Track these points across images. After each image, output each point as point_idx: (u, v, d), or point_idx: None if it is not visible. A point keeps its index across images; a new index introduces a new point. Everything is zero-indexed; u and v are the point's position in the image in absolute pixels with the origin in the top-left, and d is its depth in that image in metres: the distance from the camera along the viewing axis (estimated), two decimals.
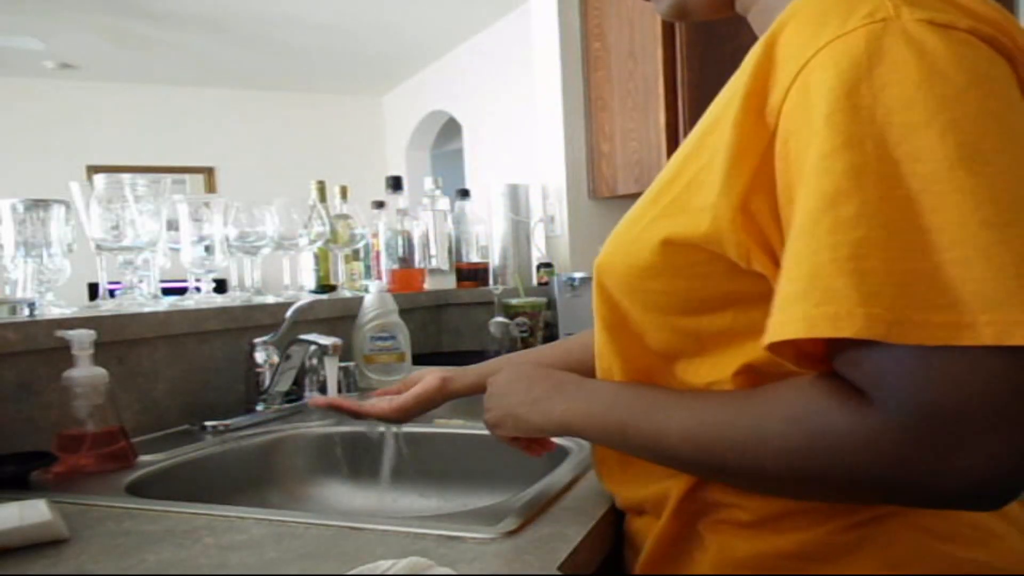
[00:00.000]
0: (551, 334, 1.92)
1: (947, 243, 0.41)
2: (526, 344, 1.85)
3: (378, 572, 0.52)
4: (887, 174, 0.43)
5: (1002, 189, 0.42)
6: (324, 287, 1.72)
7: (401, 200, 1.92)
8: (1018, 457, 0.41)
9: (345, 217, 1.71)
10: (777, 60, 0.49)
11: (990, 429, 0.41)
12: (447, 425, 1.11)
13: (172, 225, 1.28)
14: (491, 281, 2.17)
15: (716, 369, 0.58)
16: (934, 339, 0.41)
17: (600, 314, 0.66)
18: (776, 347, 0.47)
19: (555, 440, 0.98)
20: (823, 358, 0.47)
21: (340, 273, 1.74)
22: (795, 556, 0.54)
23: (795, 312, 0.44)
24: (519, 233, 2.21)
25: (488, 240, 2.21)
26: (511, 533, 0.63)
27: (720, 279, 0.54)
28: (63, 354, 0.91)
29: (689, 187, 0.55)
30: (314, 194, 1.60)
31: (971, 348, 0.40)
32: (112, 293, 1.19)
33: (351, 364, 1.44)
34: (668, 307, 0.59)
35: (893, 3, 0.46)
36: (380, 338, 1.47)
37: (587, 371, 0.70)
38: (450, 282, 2.05)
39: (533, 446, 0.77)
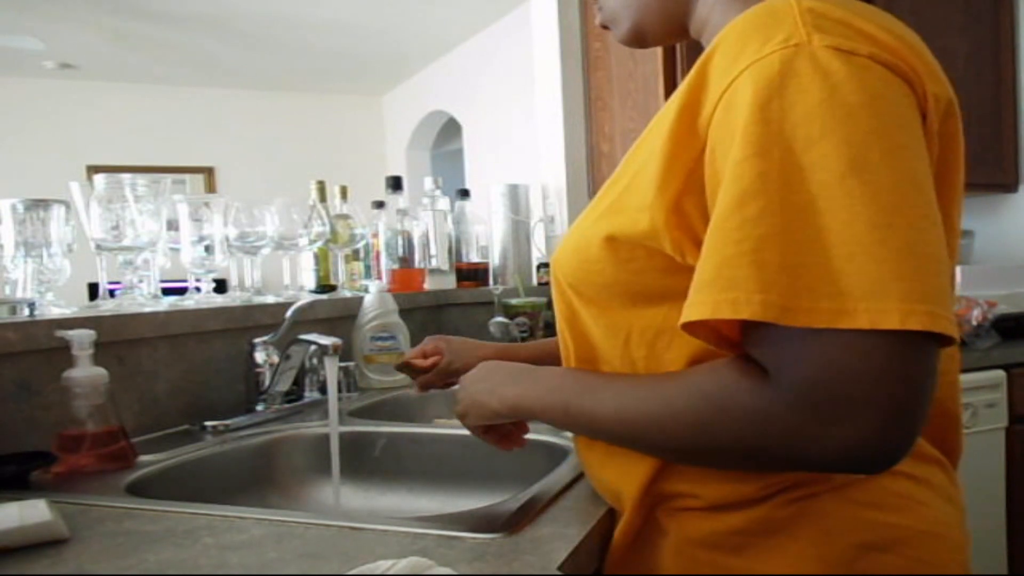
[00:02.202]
0: (551, 334, 1.91)
1: (837, 241, 0.47)
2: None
3: (378, 572, 0.52)
4: (789, 180, 0.49)
5: (885, 195, 0.48)
6: (324, 287, 1.72)
7: (401, 200, 1.92)
8: (890, 428, 0.47)
9: (345, 217, 1.71)
10: (708, 79, 0.55)
11: (864, 404, 0.47)
12: (447, 425, 1.11)
13: (172, 225, 1.28)
14: (491, 281, 2.17)
15: (660, 365, 0.63)
16: (819, 322, 0.47)
17: (558, 307, 0.73)
18: (694, 330, 0.53)
19: (555, 440, 0.98)
20: (739, 342, 0.53)
21: (340, 273, 1.74)
22: (744, 532, 0.60)
23: (703, 297, 0.51)
24: (519, 233, 2.21)
25: (488, 240, 2.21)
26: (511, 533, 0.63)
27: (657, 274, 0.60)
28: (63, 354, 0.91)
29: (628, 188, 0.62)
30: (314, 194, 1.60)
31: (849, 331, 0.47)
32: (112, 293, 1.19)
33: (351, 364, 1.44)
34: (610, 300, 0.65)
35: (806, 30, 0.52)
36: (380, 338, 1.47)
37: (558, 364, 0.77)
38: (450, 282, 2.05)
39: (503, 440, 0.80)
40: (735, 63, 0.53)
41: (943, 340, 0.48)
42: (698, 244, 0.55)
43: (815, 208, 0.48)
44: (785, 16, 0.53)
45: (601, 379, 0.65)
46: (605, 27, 0.78)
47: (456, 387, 0.80)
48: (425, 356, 0.99)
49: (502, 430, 0.79)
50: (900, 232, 0.47)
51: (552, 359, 0.79)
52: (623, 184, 0.63)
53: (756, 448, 0.51)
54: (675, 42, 0.77)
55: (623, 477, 0.66)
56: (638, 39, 0.75)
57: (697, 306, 0.51)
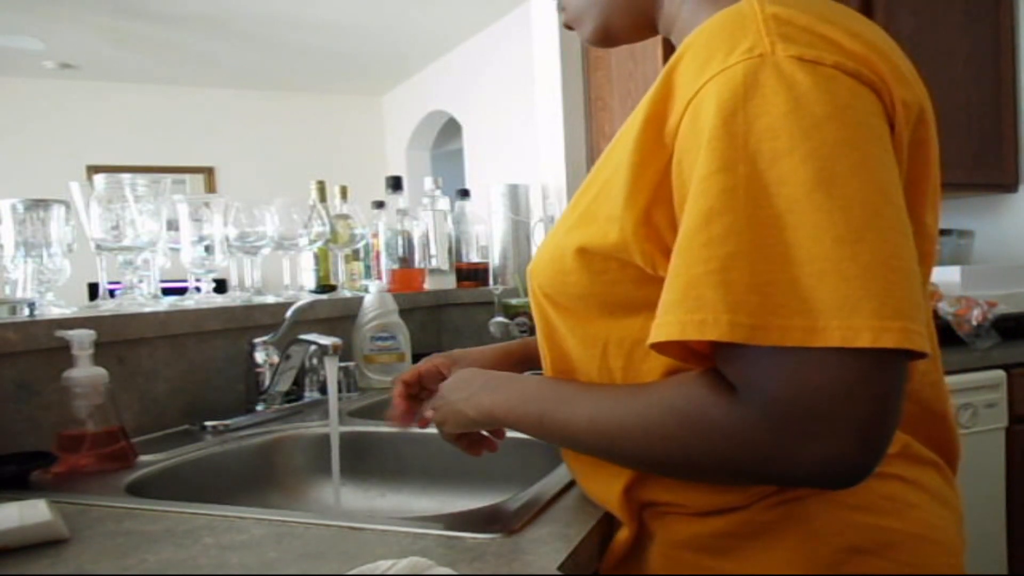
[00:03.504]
0: None
1: (805, 257, 0.47)
2: None
3: (378, 572, 0.52)
4: (755, 195, 0.48)
5: (854, 209, 0.47)
6: (324, 287, 1.72)
7: (401, 200, 1.92)
8: (859, 446, 0.47)
9: (345, 217, 1.71)
10: (674, 88, 0.55)
11: (834, 421, 0.47)
12: None
13: (172, 225, 1.28)
14: (491, 281, 2.17)
15: (639, 375, 0.63)
16: (790, 340, 0.46)
17: (536, 318, 0.72)
18: (664, 348, 0.53)
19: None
20: (710, 356, 0.53)
21: (340, 273, 1.74)
22: (729, 534, 0.60)
23: (671, 318, 0.50)
24: (519, 233, 2.21)
25: (488, 240, 2.21)
26: (511, 533, 0.63)
27: (631, 285, 0.60)
28: (63, 354, 0.91)
29: (597, 199, 0.61)
30: (314, 194, 1.60)
31: (821, 349, 0.46)
32: (112, 293, 1.19)
33: (351, 364, 1.44)
34: (587, 311, 0.65)
35: (770, 39, 0.51)
36: (380, 338, 1.47)
37: (525, 369, 0.79)
38: (450, 282, 2.05)
39: (474, 446, 0.80)
40: (700, 73, 0.52)
41: (914, 354, 0.48)
42: (668, 255, 0.54)
43: (782, 223, 0.47)
44: (750, 24, 0.52)
45: (576, 389, 0.64)
46: (569, 27, 0.77)
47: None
48: (416, 382, 0.87)
49: (473, 436, 0.80)
50: (870, 246, 0.46)
51: (520, 366, 0.82)
52: (592, 194, 0.63)
53: (726, 462, 0.51)
54: (643, 39, 0.76)
55: (604, 488, 0.66)
56: (605, 38, 0.74)
57: (665, 327, 0.51)
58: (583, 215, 0.63)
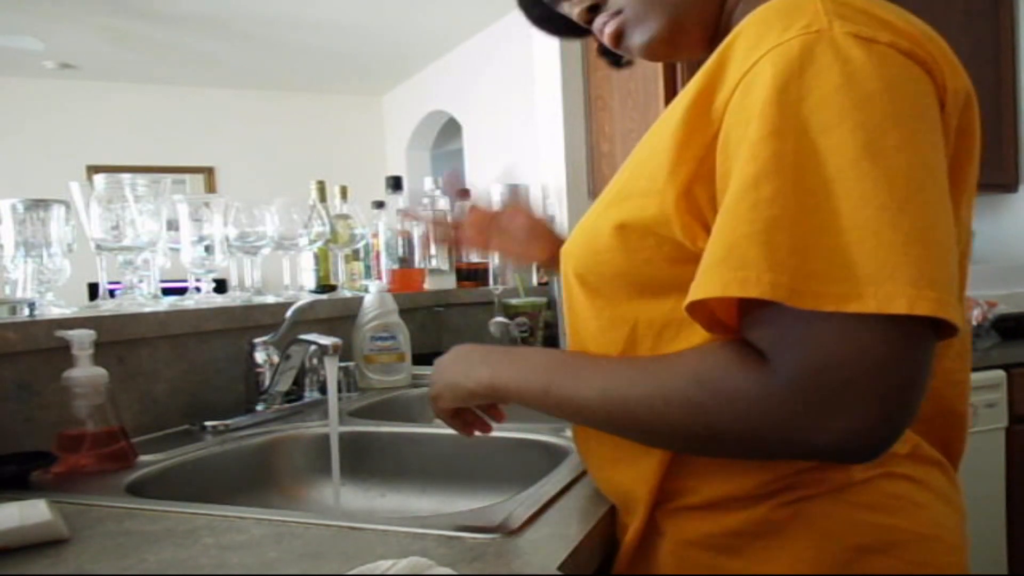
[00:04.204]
0: (551, 334, 1.92)
1: (848, 224, 0.47)
2: (526, 344, 1.85)
3: (378, 572, 0.52)
4: (803, 163, 0.49)
5: (899, 181, 0.47)
6: (324, 287, 1.72)
7: (401, 200, 1.92)
8: (885, 418, 0.47)
9: (345, 217, 1.71)
10: (727, 64, 0.55)
11: (864, 392, 0.47)
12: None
13: (172, 225, 1.28)
14: (491, 281, 2.17)
15: None
16: (826, 305, 0.46)
17: (565, 299, 0.72)
18: (693, 311, 0.53)
19: (555, 440, 0.98)
20: (733, 327, 0.53)
21: (340, 273, 1.74)
22: (740, 533, 0.59)
23: (713, 276, 0.50)
24: None
25: None
26: (511, 533, 0.63)
27: (666, 264, 0.59)
28: (63, 354, 0.91)
29: (635, 175, 0.61)
30: (314, 194, 1.60)
31: (855, 316, 0.46)
32: (112, 293, 1.19)
33: (351, 364, 1.44)
34: (616, 291, 0.64)
35: (827, 17, 0.52)
36: (380, 338, 1.47)
37: None
38: (450, 282, 2.05)
39: (468, 427, 0.79)
40: (755, 49, 0.53)
41: (946, 329, 0.48)
42: (708, 230, 0.54)
43: (828, 191, 0.48)
44: (807, 4, 0.53)
45: (586, 360, 0.64)
46: (618, 36, 0.70)
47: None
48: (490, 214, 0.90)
49: (468, 416, 0.78)
50: (911, 217, 0.47)
51: None
52: (629, 172, 0.63)
53: (749, 433, 0.50)
54: (698, 52, 0.70)
55: (635, 476, 0.64)
56: (669, 40, 0.68)
57: (706, 284, 0.50)
58: (620, 192, 0.63)
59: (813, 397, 0.47)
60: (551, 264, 0.91)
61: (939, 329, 0.48)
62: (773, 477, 0.59)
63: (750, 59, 0.53)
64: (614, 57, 0.80)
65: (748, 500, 0.60)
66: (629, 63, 0.83)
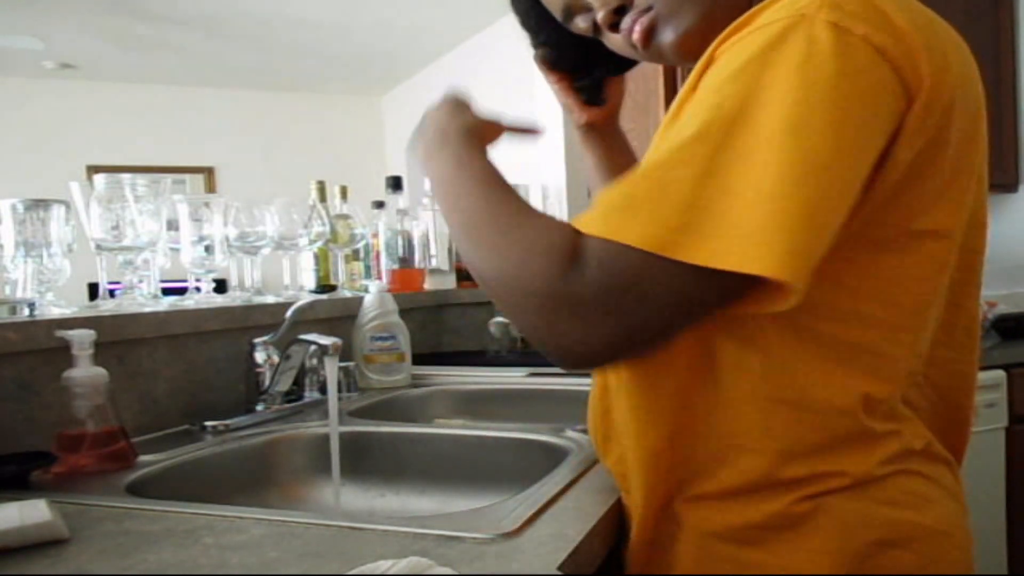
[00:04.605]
0: None
1: (744, 187, 0.50)
2: (526, 344, 1.85)
3: (378, 572, 0.52)
4: (734, 131, 0.52)
5: (808, 157, 0.50)
6: (324, 287, 1.72)
7: (401, 200, 1.92)
8: (624, 343, 0.54)
9: (345, 217, 1.71)
10: (716, 53, 0.58)
11: (612, 316, 0.53)
12: (447, 425, 1.11)
13: (172, 225, 1.28)
14: None
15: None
16: (675, 254, 0.50)
17: None
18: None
19: (555, 440, 0.98)
20: None
21: (340, 273, 1.74)
22: (762, 526, 0.60)
23: (596, 210, 0.55)
24: None
25: None
26: (511, 533, 0.63)
27: None
28: (63, 354, 0.91)
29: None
30: (314, 194, 1.60)
31: (666, 261, 0.50)
32: (112, 293, 1.19)
33: (351, 364, 1.44)
34: None
35: (819, 3, 0.53)
36: (380, 338, 1.47)
37: None
38: (450, 282, 2.05)
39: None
40: (747, 29, 0.56)
41: (786, 295, 0.50)
42: None
43: (748, 157, 0.51)
44: None
45: (474, 182, 0.67)
46: (649, 34, 0.68)
47: None
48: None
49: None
50: (806, 195, 0.50)
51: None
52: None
53: (524, 300, 0.55)
54: None
55: (637, 452, 0.66)
56: (700, 36, 0.65)
57: (599, 223, 0.54)
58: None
59: (584, 307, 0.53)
60: None
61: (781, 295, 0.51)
62: (787, 461, 0.59)
63: (739, 36, 0.56)
64: (594, 95, 0.86)
65: (767, 490, 0.60)
66: (604, 101, 0.88)
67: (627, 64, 0.85)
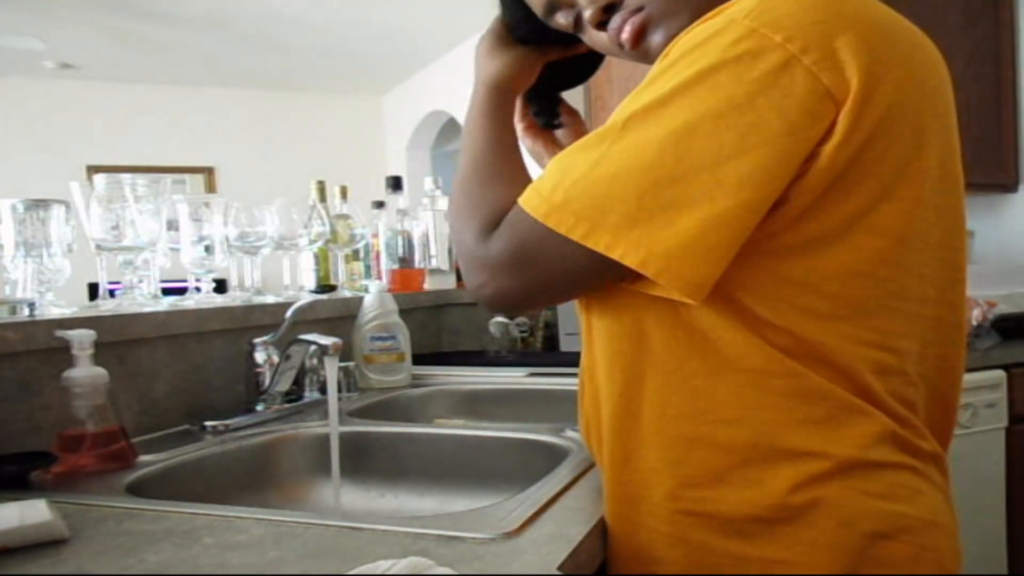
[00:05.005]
0: (551, 334, 1.92)
1: (628, 180, 0.57)
2: (526, 344, 1.85)
3: (378, 572, 0.52)
4: (631, 124, 0.58)
5: (689, 153, 0.55)
6: (324, 287, 1.72)
7: (401, 200, 1.92)
8: (516, 295, 0.64)
9: (345, 217, 1.71)
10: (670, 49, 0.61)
11: (512, 275, 0.63)
12: (447, 425, 1.11)
13: (172, 225, 1.28)
14: None
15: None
16: (541, 218, 0.60)
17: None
18: None
19: (555, 440, 0.98)
20: None
21: (340, 273, 1.74)
22: (757, 519, 0.61)
23: (530, 192, 0.63)
24: None
25: None
26: (511, 533, 0.63)
27: None
28: (63, 354, 0.91)
29: None
30: (314, 194, 1.60)
31: (557, 235, 0.59)
32: (112, 293, 1.19)
33: (351, 364, 1.44)
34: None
35: (749, 8, 0.56)
36: (380, 338, 1.47)
37: None
38: (450, 282, 2.05)
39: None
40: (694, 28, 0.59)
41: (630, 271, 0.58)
42: None
43: (639, 150, 0.57)
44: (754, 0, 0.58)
45: (482, 145, 0.76)
46: (640, 35, 0.68)
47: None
48: None
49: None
50: (674, 182, 0.55)
51: None
52: None
53: (460, 255, 0.68)
54: None
55: (642, 472, 0.66)
56: None
57: (525, 196, 0.63)
58: None
59: (492, 266, 0.63)
60: None
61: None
62: (765, 433, 0.61)
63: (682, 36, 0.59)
64: (549, 118, 0.88)
65: (752, 468, 0.60)
66: (559, 126, 0.89)
67: (575, 80, 0.88)
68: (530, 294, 0.64)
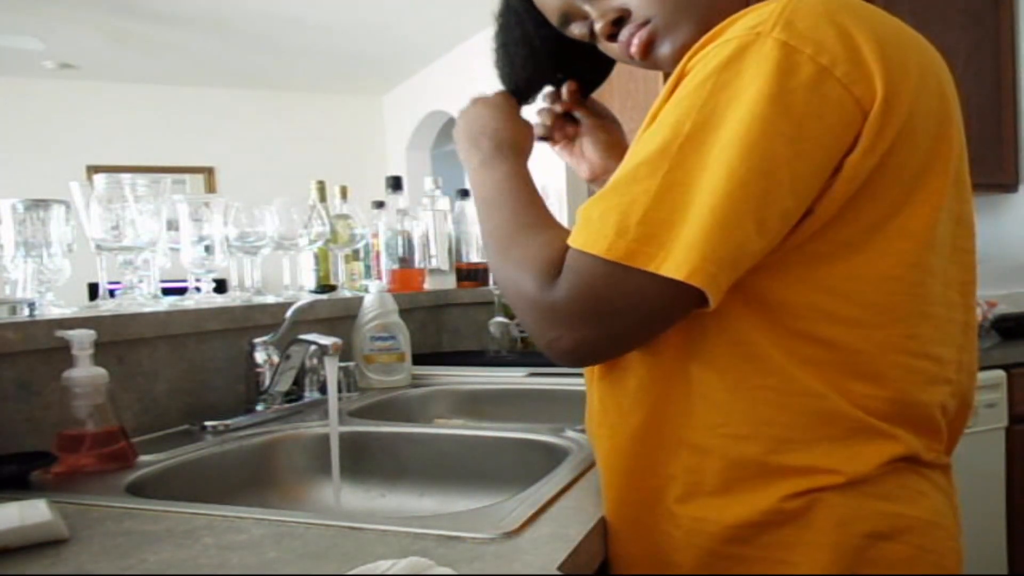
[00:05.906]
0: None
1: (690, 202, 0.55)
2: (526, 344, 1.85)
3: (378, 572, 0.52)
4: (687, 152, 0.56)
5: (744, 181, 0.54)
6: (324, 287, 1.72)
7: (401, 200, 1.92)
8: (597, 344, 0.61)
9: (345, 217, 1.71)
10: (687, 66, 0.60)
11: (590, 323, 0.59)
12: (447, 425, 1.11)
13: (172, 225, 1.28)
14: (491, 281, 2.17)
15: None
16: (631, 261, 0.56)
17: None
18: None
19: (555, 440, 0.98)
20: None
21: (340, 273, 1.74)
22: (758, 524, 0.61)
23: (577, 224, 0.61)
24: None
25: None
26: (511, 533, 0.63)
27: None
28: (63, 354, 0.91)
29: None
30: (314, 194, 1.60)
31: (630, 270, 0.56)
32: (112, 293, 1.19)
33: (351, 364, 1.44)
34: None
35: (774, 21, 0.56)
36: (380, 338, 1.47)
37: None
38: (450, 282, 2.05)
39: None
40: (712, 44, 0.58)
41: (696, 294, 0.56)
42: None
43: (694, 180, 0.55)
44: (767, 8, 0.57)
45: (504, 201, 0.74)
46: (648, 46, 0.70)
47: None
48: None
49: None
50: (733, 204, 0.54)
51: None
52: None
53: (520, 307, 0.64)
54: None
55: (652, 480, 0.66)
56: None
57: (575, 236, 0.60)
58: None
59: (563, 315, 0.59)
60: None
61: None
62: (779, 447, 0.60)
63: (704, 50, 0.59)
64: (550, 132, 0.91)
65: (761, 480, 0.60)
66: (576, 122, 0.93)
67: (592, 85, 0.93)
68: (607, 339, 0.61)
